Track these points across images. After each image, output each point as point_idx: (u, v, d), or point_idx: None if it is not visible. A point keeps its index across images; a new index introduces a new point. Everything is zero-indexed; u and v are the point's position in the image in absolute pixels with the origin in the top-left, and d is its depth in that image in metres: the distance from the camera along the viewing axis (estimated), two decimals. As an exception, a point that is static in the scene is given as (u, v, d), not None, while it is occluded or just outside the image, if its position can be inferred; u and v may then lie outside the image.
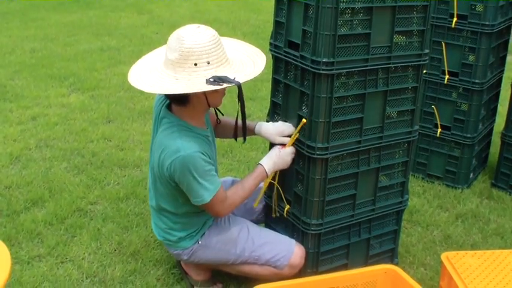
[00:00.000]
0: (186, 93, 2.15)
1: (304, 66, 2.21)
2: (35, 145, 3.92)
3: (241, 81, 2.10)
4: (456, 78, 3.36)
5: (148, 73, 2.21)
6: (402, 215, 2.64)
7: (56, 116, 4.42)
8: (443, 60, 3.37)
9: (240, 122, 2.35)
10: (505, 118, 3.52)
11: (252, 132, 2.50)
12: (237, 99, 2.20)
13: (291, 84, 2.34)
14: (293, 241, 2.42)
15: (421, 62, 2.36)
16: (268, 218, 2.66)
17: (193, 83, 2.08)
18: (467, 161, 3.48)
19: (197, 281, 2.56)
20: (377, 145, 2.38)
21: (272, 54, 2.42)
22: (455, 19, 3.25)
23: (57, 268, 2.68)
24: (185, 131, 2.22)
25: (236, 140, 2.51)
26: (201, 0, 9.35)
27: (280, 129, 2.39)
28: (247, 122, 2.39)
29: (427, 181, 3.59)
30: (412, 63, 2.34)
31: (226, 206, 2.30)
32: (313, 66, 2.14)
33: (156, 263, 2.73)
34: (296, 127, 2.32)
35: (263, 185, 2.49)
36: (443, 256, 2.20)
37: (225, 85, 2.08)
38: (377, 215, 2.52)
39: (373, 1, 2.15)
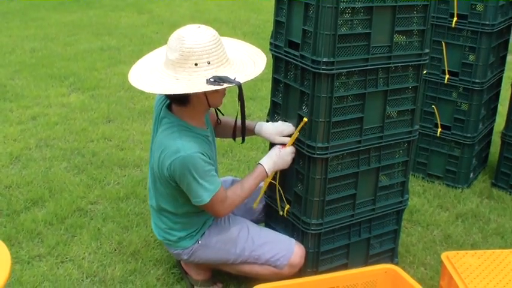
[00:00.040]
0: (187, 93, 2.15)
1: (304, 66, 2.20)
2: (35, 145, 3.92)
3: (241, 81, 2.10)
4: (456, 78, 3.36)
5: (149, 73, 2.21)
6: (402, 215, 2.64)
7: (56, 115, 4.42)
8: (443, 59, 3.37)
9: (239, 122, 2.35)
10: (505, 118, 3.52)
11: (252, 132, 2.50)
12: (237, 99, 2.20)
13: (291, 84, 2.34)
14: (293, 240, 2.42)
15: (421, 62, 2.36)
16: (268, 218, 2.66)
17: (194, 83, 2.08)
18: (467, 161, 3.48)
19: (197, 280, 2.56)
20: (377, 145, 2.38)
21: (272, 54, 2.41)
22: (455, 19, 3.25)
23: (57, 268, 2.68)
24: (185, 131, 2.22)
25: (235, 140, 2.51)
26: (201, -1, 9.37)
27: (280, 129, 2.39)
28: (247, 122, 2.39)
29: (427, 181, 3.59)
30: (412, 63, 2.34)
31: (226, 206, 2.30)
32: (313, 65, 2.14)
33: (156, 263, 2.73)
34: (296, 127, 2.32)
35: (263, 185, 2.49)
36: (444, 256, 2.20)
37: (225, 85, 2.08)
38: (377, 215, 2.52)
39: (374, 1, 2.15)
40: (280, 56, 2.36)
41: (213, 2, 9.15)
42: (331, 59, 2.12)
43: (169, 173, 2.19)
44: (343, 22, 2.13)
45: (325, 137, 2.23)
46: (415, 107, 2.42)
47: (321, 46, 2.11)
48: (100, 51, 6.27)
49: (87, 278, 2.63)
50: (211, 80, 2.07)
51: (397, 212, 2.60)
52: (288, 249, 2.39)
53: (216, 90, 2.13)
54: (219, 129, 2.57)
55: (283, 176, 2.46)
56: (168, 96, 2.29)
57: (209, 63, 2.10)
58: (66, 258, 2.75)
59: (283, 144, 2.38)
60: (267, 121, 2.52)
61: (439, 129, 3.50)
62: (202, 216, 2.39)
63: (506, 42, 3.56)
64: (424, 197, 3.40)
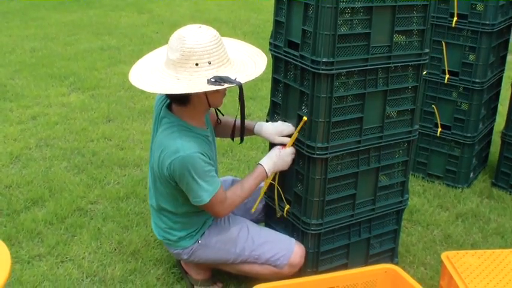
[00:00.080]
0: (187, 93, 2.15)
1: (304, 66, 2.20)
2: (35, 144, 3.92)
3: (242, 81, 2.10)
4: (456, 78, 3.36)
5: (150, 73, 2.21)
6: (402, 215, 2.64)
7: (56, 115, 4.42)
8: (443, 59, 3.37)
9: (239, 122, 2.35)
10: (505, 117, 3.52)
11: (252, 132, 2.50)
12: (237, 99, 2.20)
13: (291, 84, 2.34)
14: (293, 240, 2.42)
15: (421, 62, 2.35)
16: (268, 218, 2.66)
17: (195, 83, 2.08)
18: (467, 161, 3.48)
19: (197, 280, 2.56)
20: (377, 145, 2.38)
21: (272, 54, 2.41)
22: (455, 18, 3.25)
23: (57, 267, 2.68)
24: (185, 131, 2.22)
25: (233, 140, 2.51)
26: (201, -1, 9.37)
27: (279, 129, 2.39)
28: (247, 121, 2.39)
29: (427, 180, 3.59)
30: (412, 63, 2.34)
31: (226, 206, 2.30)
32: (312, 66, 2.14)
33: (156, 263, 2.73)
34: (296, 127, 2.32)
35: (263, 186, 2.49)
36: (444, 255, 2.20)
37: (226, 85, 2.08)
38: (377, 215, 2.52)
39: (373, 1, 2.15)
40: (280, 56, 2.36)
41: (213, 2, 9.15)
42: (331, 59, 2.12)
43: (169, 173, 2.20)
44: (342, 22, 2.13)
45: (324, 137, 2.23)
46: (414, 107, 2.42)
47: (320, 46, 2.11)
48: (100, 51, 6.27)
49: (87, 277, 2.63)
50: (212, 80, 2.07)
51: (397, 211, 2.60)
52: (288, 248, 2.39)
53: (217, 91, 2.13)
54: (219, 129, 2.57)
55: (283, 176, 2.46)
56: (168, 96, 2.30)
57: (210, 63, 2.10)
58: (66, 257, 2.76)
59: (283, 145, 2.38)
60: (267, 121, 2.52)
61: (439, 129, 3.50)
62: (202, 216, 2.39)
63: (506, 42, 3.56)
64: (424, 197, 3.40)
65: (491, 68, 3.38)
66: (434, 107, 3.47)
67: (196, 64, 2.09)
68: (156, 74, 2.18)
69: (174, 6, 8.83)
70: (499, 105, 3.83)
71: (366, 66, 2.22)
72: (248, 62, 2.26)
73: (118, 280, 2.60)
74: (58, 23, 7.53)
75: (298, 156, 2.36)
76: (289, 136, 2.36)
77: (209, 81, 2.07)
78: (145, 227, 2.99)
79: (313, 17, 2.12)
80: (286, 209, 2.48)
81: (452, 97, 3.42)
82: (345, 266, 2.51)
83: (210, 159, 2.22)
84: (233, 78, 2.09)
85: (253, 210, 2.54)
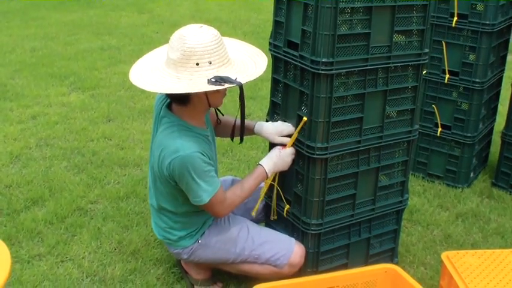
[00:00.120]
0: (187, 93, 2.15)
1: (303, 66, 2.20)
2: (35, 144, 3.92)
3: (243, 81, 2.10)
4: (456, 78, 3.36)
5: (150, 72, 2.21)
6: (402, 215, 2.64)
7: (56, 115, 4.42)
8: (443, 59, 3.37)
9: (239, 122, 2.35)
10: (505, 117, 3.52)
11: (252, 131, 2.50)
12: (237, 99, 2.20)
13: (291, 84, 2.34)
14: (293, 240, 2.42)
15: (421, 62, 2.35)
16: (268, 218, 2.66)
17: (195, 83, 2.08)
18: (467, 160, 3.47)
19: (197, 280, 2.56)
20: (377, 145, 2.38)
21: (271, 54, 2.41)
22: (455, 18, 3.25)
23: (58, 267, 2.69)
24: (185, 131, 2.22)
25: (233, 140, 2.51)
26: (202, -1, 9.38)
27: (279, 129, 2.39)
28: (247, 121, 2.39)
29: (428, 180, 3.59)
30: (412, 63, 2.34)
31: (226, 206, 2.30)
32: (312, 66, 2.14)
33: (156, 262, 2.73)
34: (296, 127, 2.32)
35: (263, 187, 2.48)
36: (444, 255, 2.20)
37: (226, 85, 2.08)
38: (377, 215, 2.52)
39: (373, 1, 2.15)
40: (280, 56, 2.36)
41: (213, 2, 9.15)
42: (331, 59, 2.11)
43: (169, 172, 2.20)
44: (342, 22, 2.13)
45: (324, 137, 2.23)
46: (414, 107, 2.42)
47: (320, 46, 2.11)
48: (100, 50, 6.27)
49: (87, 277, 2.63)
50: (213, 80, 2.07)
51: (397, 211, 2.60)
52: (288, 248, 2.39)
53: (217, 90, 2.13)
54: (219, 128, 2.57)
55: (283, 176, 2.46)
56: (168, 96, 2.30)
57: (211, 63, 2.10)
58: (66, 257, 2.76)
59: (283, 145, 2.38)
60: (267, 121, 2.52)
61: (439, 129, 3.50)
62: (202, 216, 2.39)
63: (507, 41, 3.55)
64: (424, 197, 3.40)
65: (491, 68, 3.38)
66: (435, 107, 3.47)
67: (197, 64, 2.09)
68: (157, 73, 2.18)
69: (174, 6, 8.83)
70: (499, 105, 3.83)
71: (366, 66, 2.22)
72: (248, 62, 2.26)
73: (118, 280, 2.60)
74: (58, 23, 7.54)
75: (298, 157, 2.36)
76: (289, 136, 2.36)
77: (209, 81, 2.07)
78: (146, 227, 2.99)
79: (312, 17, 2.12)
80: (286, 209, 2.48)
81: (452, 97, 3.42)
82: (345, 266, 2.51)
83: (209, 159, 2.22)
84: (233, 79, 2.09)
85: (253, 213, 2.54)
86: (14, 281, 2.55)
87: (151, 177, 2.40)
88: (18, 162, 3.68)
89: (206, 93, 2.19)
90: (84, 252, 2.79)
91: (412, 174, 3.57)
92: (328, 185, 2.31)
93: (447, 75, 3.38)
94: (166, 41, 2.19)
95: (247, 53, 2.32)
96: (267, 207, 2.65)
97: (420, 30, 2.31)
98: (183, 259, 2.50)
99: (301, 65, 2.21)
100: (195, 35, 2.09)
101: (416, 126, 2.46)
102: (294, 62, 2.27)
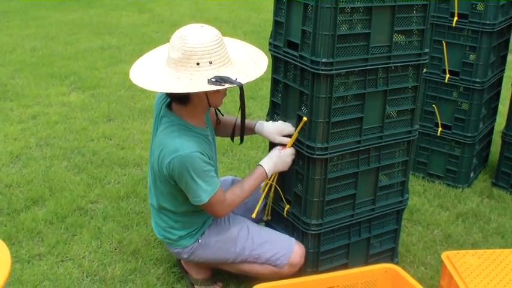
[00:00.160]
0: (188, 93, 2.15)
1: (303, 66, 2.20)
2: (36, 144, 3.92)
3: (243, 82, 2.10)
4: (457, 77, 3.36)
5: (150, 71, 2.21)
6: (402, 214, 2.64)
7: (57, 114, 4.42)
8: (444, 59, 3.37)
9: (239, 121, 2.35)
10: (505, 117, 3.52)
11: (252, 131, 2.50)
12: (238, 99, 2.20)
13: (291, 84, 2.34)
14: (293, 240, 2.42)
15: (421, 62, 2.35)
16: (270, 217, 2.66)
17: (195, 83, 2.08)
18: (467, 160, 3.47)
19: (197, 279, 2.56)
20: (377, 145, 2.38)
21: (271, 54, 2.41)
22: (456, 18, 3.25)
23: (58, 267, 2.69)
24: (185, 131, 2.22)
25: (233, 140, 2.51)
26: (202, -2, 9.38)
27: (280, 128, 2.39)
28: (247, 121, 2.39)
29: (428, 180, 3.59)
30: (412, 63, 2.34)
31: (225, 206, 2.30)
32: (312, 66, 2.14)
33: (157, 262, 2.73)
34: (296, 127, 2.32)
35: (262, 187, 2.48)
36: (444, 255, 2.20)
37: (226, 85, 2.08)
38: (377, 215, 2.52)
39: (373, 1, 2.15)
40: (280, 56, 2.36)
41: (213, 1, 9.15)
42: (331, 60, 2.11)
43: (168, 172, 2.20)
44: (342, 22, 2.13)
45: (324, 138, 2.23)
46: (414, 107, 2.42)
47: (320, 46, 2.11)
48: (100, 50, 6.27)
49: (87, 277, 2.63)
50: (213, 80, 2.07)
51: (397, 211, 2.60)
52: (288, 248, 2.39)
53: (217, 90, 2.13)
54: (220, 128, 2.57)
55: (283, 176, 2.46)
56: (168, 95, 2.30)
57: (211, 63, 2.10)
58: (67, 257, 2.76)
59: (283, 146, 2.38)
60: (267, 121, 2.52)
61: (440, 129, 3.49)
62: (202, 216, 2.39)
63: (507, 41, 3.55)
64: (424, 197, 3.40)
65: (491, 67, 3.38)
66: (435, 107, 3.47)
67: (198, 64, 2.09)
68: (157, 72, 2.18)
69: (175, 6, 8.83)
70: (499, 104, 3.83)
71: (366, 66, 2.22)
72: (249, 63, 2.26)
73: (118, 279, 2.60)
74: (58, 23, 7.54)
75: (298, 157, 2.36)
76: (289, 136, 2.36)
77: (210, 81, 2.07)
78: (146, 227, 2.99)
79: (312, 17, 2.11)
80: (286, 209, 2.48)
81: (452, 97, 3.42)
82: (345, 266, 2.51)
83: (209, 159, 2.22)
84: (234, 79, 2.09)
85: (254, 216, 2.54)
86: (14, 280, 2.55)
87: (152, 177, 2.40)
88: (19, 161, 3.68)
89: (206, 93, 2.19)
90: (85, 252, 2.79)
91: (412, 174, 3.57)
92: (328, 185, 2.31)
93: (447, 75, 3.38)
94: (167, 40, 2.19)
95: (247, 53, 2.32)
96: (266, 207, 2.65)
97: (420, 30, 2.31)
98: (183, 259, 2.50)
99: (301, 65, 2.21)
100: (196, 35, 2.09)
101: (417, 126, 2.46)
102: (294, 62, 2.26)
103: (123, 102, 4.72)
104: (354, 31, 2.16)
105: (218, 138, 2.62)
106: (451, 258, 2.17)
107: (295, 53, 2.25)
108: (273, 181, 2.46)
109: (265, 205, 2.65)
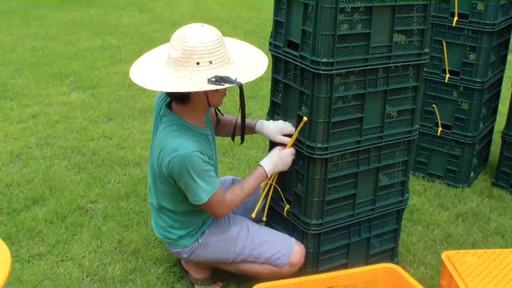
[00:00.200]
0: (187, 92, 2.15)
1: (303, 66, 2.20)
2: (36, 143, 3.92)
3: (243, 82, 2.10)
4: (457, 77, 3.36)
5: (150, 71, 2.21)
6: (402, 214, 2.64)
7: (57, 114, 4.42)
8: (444, 59, 3.37)
9: (240, 121, 2.35)
10: (505, 117, 3.52)
11: (253, 130, 2.50)
12: (238, 98, 2.20)
13: (291, 84, 2.34)
14: (293, 239, 2.42)
15: (421, 61, 2.35)
16: (269, 217, 2.66)
17: (195, 82, 2.08)
18: (467, 160, 3.47)
19: (197, 279, 2.56)
20: (377, 145, 2.38)
21: (272, 54, 2.41)
22: (456, 18, 3.25)
23: (58, 266, 2.69)
24: (184, 130, 2.22)
25: (234, 140, 2.52)
26: (202, -2, 9.37)
27: (280, 127, 2.39)
28: (248, 120, 2.39)
29: (428, 180, 3.59)
30: (412, 63, 2.34)
31: (225, 206, 2.30)
32: (312, 66, 2.14)
33: (157, 262, 2.73)
34: (296, 127, 2.32)
35: (262, 187, 2.48)
36: (444, 255, 2.20)
37: (226, 85, 2.08)
38: (377, 214, 2.52)
39: (373, 0, 2.15)
40: (280, 56, 2.36)
41: (213, 1, 9.15)
42: (331, 60, 2.11)
43: (168, 171, 2.20)
44: (342, 22, 2.13)
45: (324, 138, 2.23)
46: (415, 107, 2.42)
47: (320, 46, 2.11)
48: (101, 50, 6.27)
49: (87, 276, 2.63)
50: (213, 79, 2.07)
51: (397, 211, 2.60)
52: (288, 248, 2.39)
53: (217, 90, 2.14)
54: (220, 128, 2.58)
55: (283, 176, 2.46)
56: (168, 94, 2.30)
57: (211, 62, 2.10)
58: (67, 256, 2.76)
59: (284, 146, 2.38)
60: (267, 120, 2.52)
61: (440, 129, 3.49)
62: (202, 215, 2.39)
63: (507, 41, 3.55)
64: (424, 197, 3.40)
65: (491, 67, 3.38)
66: (435, 107, 3.47)
67: (198, 63, 2.09)
68: (157, 71, 2.18)
69: (175, 6, 8.83)
70: (499, 104, 3.83)
71: (366, 66, 2.21)
72: (249, 63, 2.26)
73: (118, 279, 2.60)
74: (59, 22, 7.54)
75: (298, 156, 2.36)
76: (290, 136, 2.36)
77: (209, 81, 2.07)
78: (146, 226, 2.99)
79: (312, 17, 2.11)
80: (286, 208, 2.48)
81: (452, 96, 3.42)
82: (345, 266, 2.51)
83: (209, 159, 2.22)
84: (234, 79, 2.09)
85: (253, 215, 2.54)
86: (14, 280, 2.56)
87: (151, 176, 2.40)
88: (19, 161, 3.68)
89: (206, 93, 2.19)
90: (85, 252, 2.79)
91: (412, 173, 3.57)
92: (328, 185, 2.31)
93: (447, 75, 3.38)
94: (167, 40, 2.19)
95: (248, 53, 2.32)
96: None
97: (420, 30, 2.31)
98: (183, 258, 2.50)
99: (302, 65, 2.21)
100: (196, 34, 2.09)
101: (417, 126, 2.46)
102: (294, 62, 2.26)
103: (123, 102, 4.72)
104: (354, 31, 2.16)
105: (218, 138, 2.62)
106: (451, 258, 2.18)
107: (295, 53, 2.25)
108: (273, 181, 2.47)
109: (265, 205, 2.65)
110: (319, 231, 2.37)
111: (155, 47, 2.39)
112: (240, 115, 2.28)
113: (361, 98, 2.27)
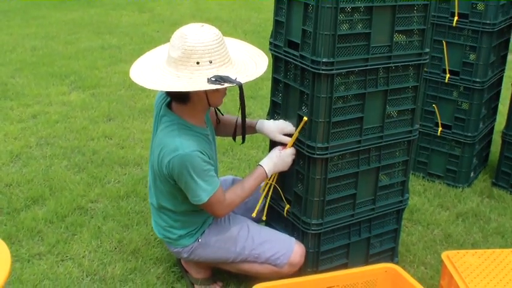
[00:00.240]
0: (187, 92, 2.15)
1: (304, 66, 2.20)
2: (36, 143, 3.92)
3: (242, 81, 2.10)
4: (457, 77, 3.36)
5: (150, 70, 2.21)
6: (402, 214, 2.64)
7: (57, 114, 4.42)
8: (444, 59, 3.37)
9: (240, 121, 2.35)
10: (505, 117, 3.52)
11: (253, 129, 2.50)
12: (238, 98, 2.20)
13: (291, 84, 2.34)
14: (293, 239, 2.42)
15: (422, 61, 2.35)
16: (269, 217, 2.66)
17: (195, 82, 2.08)
18: (467, 160, 3.48)
19: (197, 279, 2.56)
20: (377, 144, 2.38)
21: (272, 54, 2.41)
22: (456, 18, 3.25)
23: (58, 266, 2.69)
24: (184, 130, 2.22)
25: (235, 140, 2.51)
26: (202, -2, 9.38)
27: (281, 127, 2.39)
28: (248, 120, 2.39)
29: (428, 180, 3.59)
30: (413, 63, 2.34)
31: (225, 206, 2.30)
32: (313, 66, 2.14)
33: (157, 261, 2.73)
34: (296, 127, 2.32)
35: (262, 187, 2.48)
36: (444, 255, 2.20)
37: (226, 85, 2.08)
38: (377, 214, 2.52)
39: (373, 0, 2.15)
40: (280, 55, 2.36)
41: (213, 1, 9.15)
42: (331, 59, 2.11)
43: (168, 171, 2.20)
44: (342, 22, 2.13)
45: (325, 137, 2.23)
46: (415, 107, 2.42)
47: (320, 46, 2.11)
48: (101, 49, 6.27)
49: (87, 276, 2.63)
50: (213, 79, 2.07)
51: (397, 211, 2.60)
52: (288, 248, 2.39)
53: (217, 90, 2.14)
54: (220, 128, 2.58)
55: (283, 176, 2.46)
56: (168, 94, 2.30)
57: (211, 62, 2.10)
58: (67, 256, 2.76)
59: (284, 146, 2.38)
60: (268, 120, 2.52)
61: (440, 129, 3.49)
62: (202, 215, 2.39)
63: (507, 41, 3.56)
64: (424, 196, 3.40)
65: (491, 67, 3.38)
66: (435, 107, 3.47)
67: (198, 63, 2.09)
68: (157, 71, 2.18)
69: (175, 5, 8.83)
70: (499, 104, 3.83)
71: (366, 66, 2.21)
72: (249, 63, 2.26)
73: (118, 279, 2.60)
74: (59, 22, 7.54)
75: (299, 156, 2.36)
76: (290, 135, 2.36)
77: (209, 80, 2.07)
78: (146, 226, 2.99)
79: (313, 17, 2.11)
80: (286, 208, 2.48)
81: (452, 96, 3.42)
82: (345, 266, 2.51)
83: (209, 158, 2.22)
84: (233, 78, 2.09)
85: (254, 215, 2.54)
86: (14, 280, 2.56)
87: (152, 176, 2.40)
88: (19, 161, 3.68)
89: (206, 92, 2.19)
90: (85, 251, 2.79)
91: (412, 173, 3.57)
92: (329, 185, 2.31)
93: (448, 75, 3.38)
94: (167, 40, 2.19)
95: (248, 53, 2.32)
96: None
97: (421, 30, 2.31)
98: (183, 258, 2.50)
99: (302, 65, 2.21)
100: (196, 34, 2.09)
101: (417, 126, 2.46)
102: (294, 61, 2.26)
103: (123, 102, 4.72)
104: (355, 31, 2.16)
105: (218, 138, 2.62)
106: (451, 258, 2.18)
107: (295, 53, 2.25)
108: (273, 181, 2.47)
109: (265, 205, 2.65)
110: (319, 231, 2.37)
111: (155, 46, 2.39)
112: (240, 115, 2.28)
113: (362, 97, 2.27)
